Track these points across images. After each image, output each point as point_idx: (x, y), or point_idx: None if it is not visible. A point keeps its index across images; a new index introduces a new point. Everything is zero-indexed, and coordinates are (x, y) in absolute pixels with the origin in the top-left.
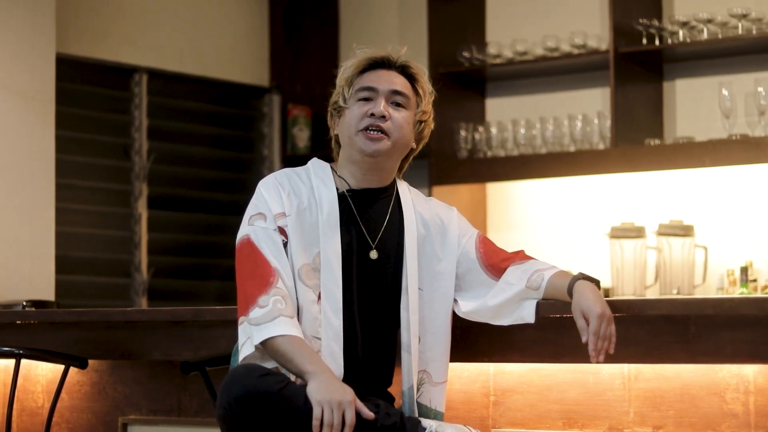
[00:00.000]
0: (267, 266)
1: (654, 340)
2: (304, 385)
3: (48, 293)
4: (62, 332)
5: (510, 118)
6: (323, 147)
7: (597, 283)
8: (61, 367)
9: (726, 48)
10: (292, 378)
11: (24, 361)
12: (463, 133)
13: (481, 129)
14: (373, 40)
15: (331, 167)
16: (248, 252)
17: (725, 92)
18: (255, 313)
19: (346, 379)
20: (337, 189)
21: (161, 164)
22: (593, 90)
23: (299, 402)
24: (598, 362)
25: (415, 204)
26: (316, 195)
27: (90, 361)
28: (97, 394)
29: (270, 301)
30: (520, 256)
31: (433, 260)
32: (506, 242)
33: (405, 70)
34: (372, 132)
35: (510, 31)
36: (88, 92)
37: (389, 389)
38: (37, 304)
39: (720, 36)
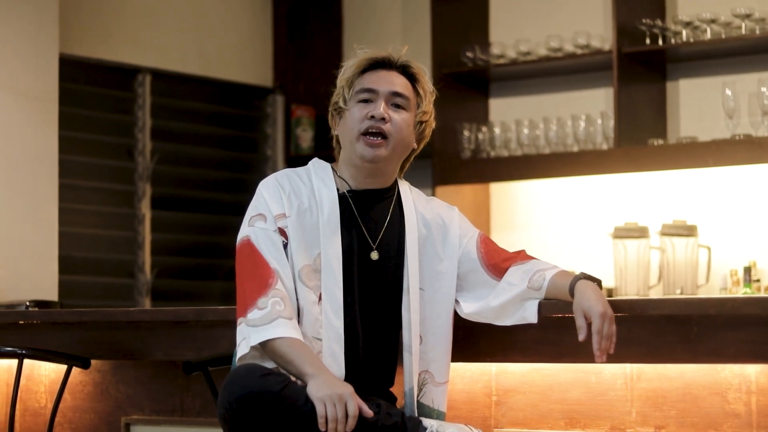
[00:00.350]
0: (266, 267)
1: (656, 340)
2: (305, 385)
3: (51, 293)
4: (65, 332)
5: (513, 118)
6: (327, 147)
7: (598, 282)
8: (63, 367)
9: (729, 48)
10: (293, 378)
11: (27, 361)
12: (466, 133)
13: (484, 129)
14: (376, 41)
15: (332, 167)
16: (248, 253)
17: (729, 92)
18: (253, 314)
19: (348, 379)
20: (338, 190)
21: (164, 165)
22: (596, 90)
23: (300, 402)
24: (602, 362)
25: (416, 204)
26: (317, 196)
27: (93, 362)
28: (100, 394)
29: (269, 303)
30: (521, 256)
31: (435, 260)
32: (509, 242)
33: (406, 71)
34: (372, 138)
35: (513, 31)
36: (92, 92)
37: (391, 389)
38: (41, 304)
39: (723, 36)
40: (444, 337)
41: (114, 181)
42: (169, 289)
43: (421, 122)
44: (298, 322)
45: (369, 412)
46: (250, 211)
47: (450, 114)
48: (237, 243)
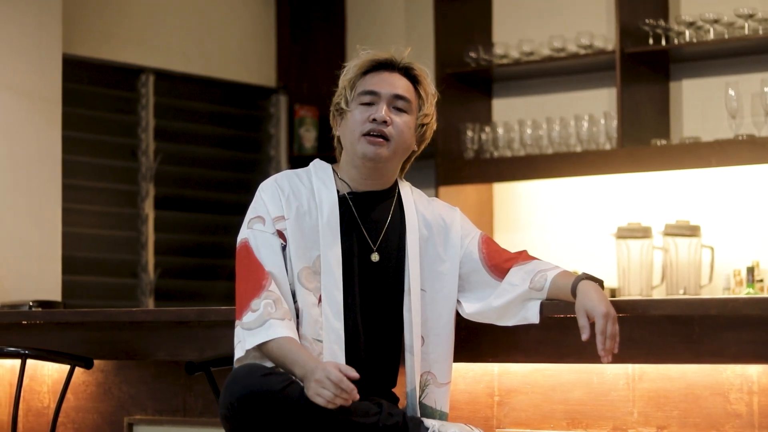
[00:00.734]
0: (260, 270)
1: (658, 341)
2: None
3: (54, 293)
4: (68, 332)
5: (516, 118)
6: (330, 147)
7: (600, 283)
8: (66, 368)
9: (732, 48)
10: (294, 377)
11: (30, 362)
12: (469, 133)
13: (487, 129)
14: (379, 41)
15: (333, 169)
16: (244, 255)
17: (732, 92)
18: (248, 317)
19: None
20: (338, 191)
21: (168, 165)
22: (600, 90)
23: (302, 401)
24: (607, 362)
25: (417, 205)
26: (317, 198)
27: (95, 362)
28: (103, 394)
29: (261, 305)
30: (523, 257)
31: (436, 261)
32: (512, 242)
33: (408, 72)
34: (373, 136)
35: (516, 31)
36: (95, 93)
37: (394, 390)
38: (44, 304)
39: (726, 36)
40: (446, 337)
41: (117, 181)
42: (172, 290)
43: (423, 125)
44: (298, 324)
45: (354, 375)
46: (249, 213)
47: (453, 114)
48: (236, 246)
